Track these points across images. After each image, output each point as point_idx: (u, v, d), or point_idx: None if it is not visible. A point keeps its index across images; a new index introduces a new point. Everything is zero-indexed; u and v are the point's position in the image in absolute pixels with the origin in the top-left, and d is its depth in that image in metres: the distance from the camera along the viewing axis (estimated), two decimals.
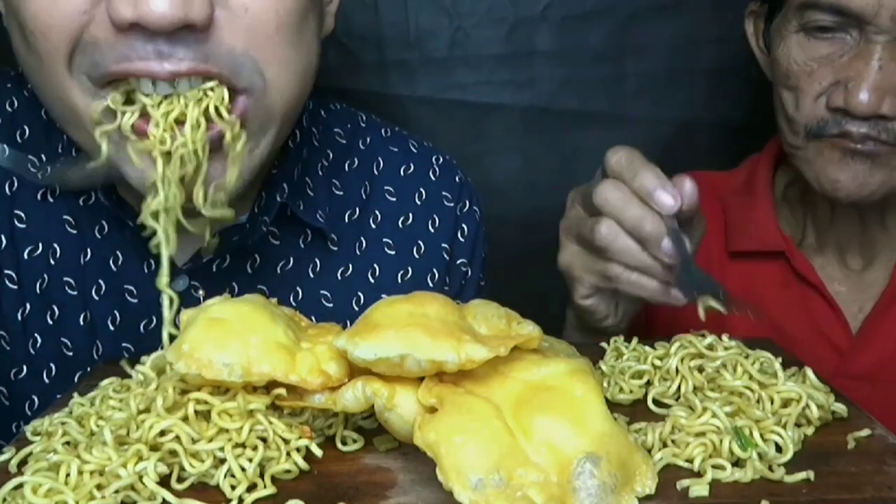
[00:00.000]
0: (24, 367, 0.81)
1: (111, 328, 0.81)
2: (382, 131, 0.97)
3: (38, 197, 0.80)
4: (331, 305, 0.88)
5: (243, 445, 0.53)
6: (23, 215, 0.80)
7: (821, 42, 0.87)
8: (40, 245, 0.80)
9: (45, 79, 0.67)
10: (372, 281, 0.90)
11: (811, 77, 0.88)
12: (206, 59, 0.65)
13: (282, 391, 0.55)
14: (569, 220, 0.83)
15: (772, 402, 0.57)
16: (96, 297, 0.81)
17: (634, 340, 0.70)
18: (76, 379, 0.77)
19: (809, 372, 0.61)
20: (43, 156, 0.79)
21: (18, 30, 0.66)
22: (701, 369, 0.63)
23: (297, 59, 0.72)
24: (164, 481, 0.50)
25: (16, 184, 0.80)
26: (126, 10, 0.60)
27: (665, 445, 0.54)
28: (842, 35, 0.85)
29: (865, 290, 0.99)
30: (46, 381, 0.81)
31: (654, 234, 0.72)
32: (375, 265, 0.90)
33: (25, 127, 0.81)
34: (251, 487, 0.51)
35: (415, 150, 0.96)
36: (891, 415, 0.58)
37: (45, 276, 0.80)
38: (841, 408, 0.59)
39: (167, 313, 0.66)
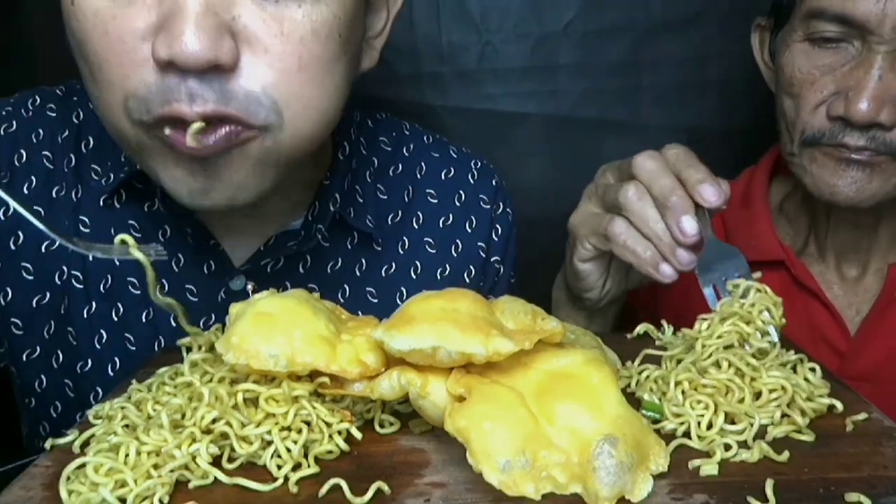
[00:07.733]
0: (90, 361, 0.84)
1: (172, 325, 0.83)
2: (425, 138, 1.00)
3: (102, 203, 0.83)
4: (376, 301, 0.91)
5: (289, 429, 0.54)
6: (87, 220, 0.84)
7: (825, 51, 0.88)
8: None
9: (100, 104, 0.70)
10: (414, 277, 0.93)
11: (813, 86, 0.88)
12: (226, 101, 0.66)
13: (325, 380, 0.56)
14: (595, 185, 0.84)
15: (759, 396, 0.58)
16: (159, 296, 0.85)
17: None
18: None
19: (804, 366, 0.62)
20: (109, 163, 0.83)
21: (82, 59, 0.69)
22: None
23: (321, 99, 0.72)
24: (215, 461, 0.52)
25: (80, 191, 0.84)
26: (163, 50, 0.63)
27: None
28: (845, 45, 0.86)
29: (861, 294, 1.00)
30: (111, 373, 0.84)
31: (678, 206, 0.73)
32: (417, 263, 0.93)
33: (90, 138, 0.85)
34: (296, 467, 0.53)
35: (455, 156, 1.00)
36: (891, 413, 0.59)
37: (110, 276, 0.84)
38: (836, 402, 0.59)
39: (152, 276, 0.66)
